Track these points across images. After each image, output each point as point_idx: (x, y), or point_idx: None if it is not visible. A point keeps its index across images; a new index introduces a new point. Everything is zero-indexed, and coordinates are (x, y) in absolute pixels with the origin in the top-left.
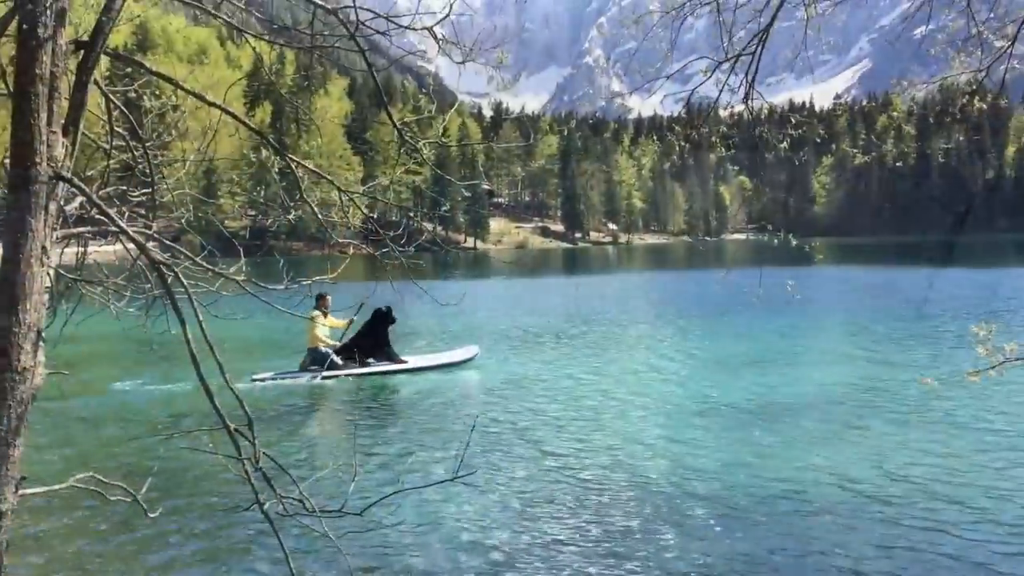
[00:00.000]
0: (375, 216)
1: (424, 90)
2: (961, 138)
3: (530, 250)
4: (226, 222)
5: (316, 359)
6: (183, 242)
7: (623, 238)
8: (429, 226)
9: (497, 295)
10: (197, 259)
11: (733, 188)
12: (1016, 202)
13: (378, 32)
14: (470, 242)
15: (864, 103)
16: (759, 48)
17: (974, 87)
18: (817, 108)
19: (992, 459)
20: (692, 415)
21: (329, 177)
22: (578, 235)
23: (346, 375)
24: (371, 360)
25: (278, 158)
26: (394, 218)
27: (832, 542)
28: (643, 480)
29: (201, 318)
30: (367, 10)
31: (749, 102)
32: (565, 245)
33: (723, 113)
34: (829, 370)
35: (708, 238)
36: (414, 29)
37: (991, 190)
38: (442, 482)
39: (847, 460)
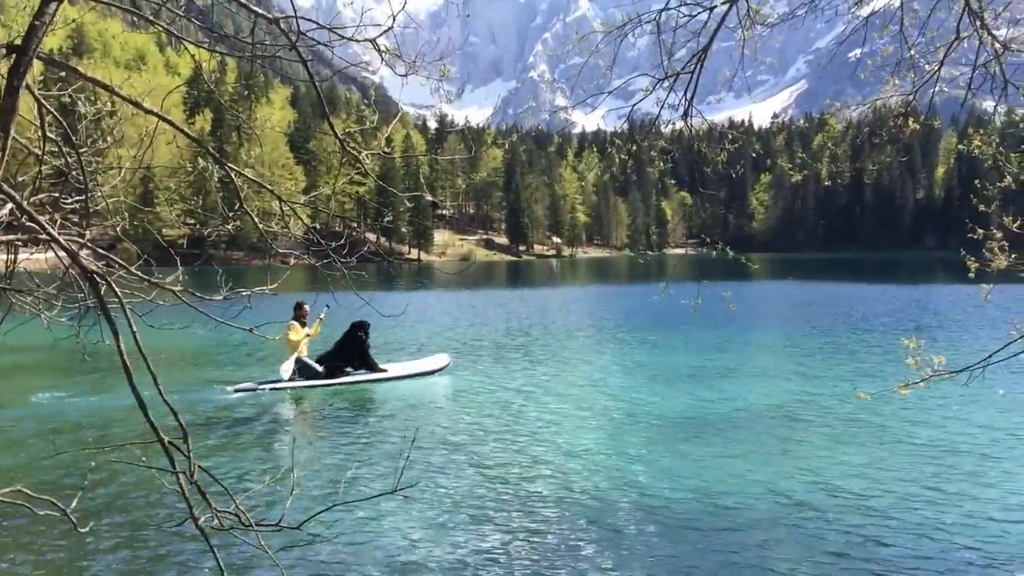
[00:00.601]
0: (317, 226)
1: (367, 101)
2: (892, 159)
3: (474, 262)
4: (163, 231)
5: (299, 368)
6: (118, 251)
7: (567, 251)
8: (372, 237)
9: (441, 307)
10: (132, 268)
11: (674, 203)
12: (944, 221)
13: (320, 43)
14: (414, 254)
15: (801, 122)
16: (698, 67)
17: (905, 109)
18: (756, 126)
19: (920, 470)
20: (629, 427)
21: (269, 187)
22: (522, 248)
23: (327, 384)
24: (350, 369)
25: (218, 167)
26: (337, 229)
27: (766, 554)
28: (581, 492)
29: (135, 329)
30: (309, 20)
31: (688, 119)
32: (509, 258)
33: (664, 129)
34: (764, 383)
35: (650, 252)
36: (357, 40)
37: (921, 209)
38: (381, 495)
39: (780, 472)
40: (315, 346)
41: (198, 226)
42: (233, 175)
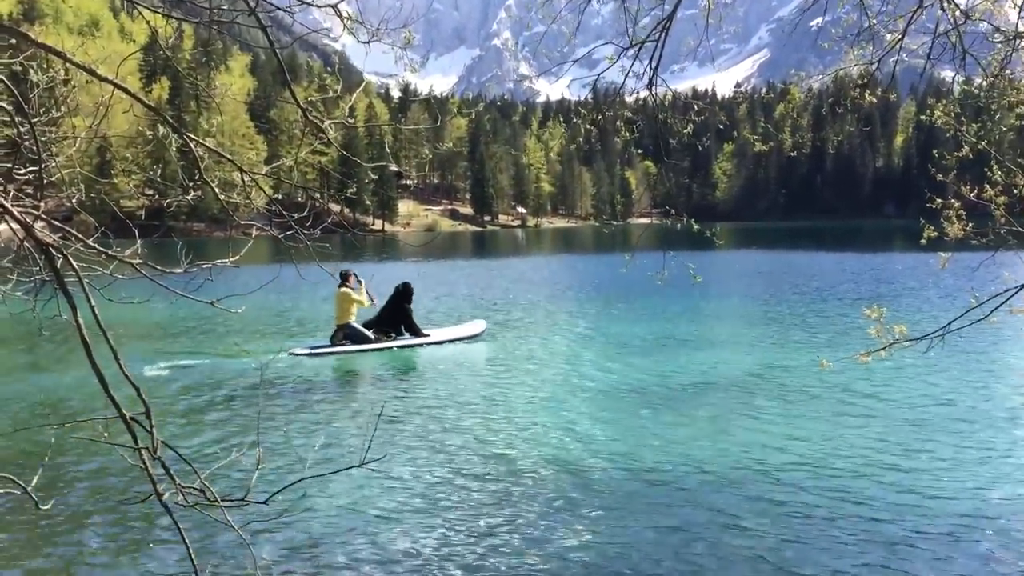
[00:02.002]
0: (280, 197)
1: (330, 69)
2: (853, 128)
3: (439, 232)
4: (121, 202)
5: (349, 334)
6: (74, 223)
7: (532, 221)
8: (336, 208)
9: (407, 278)
10: (88, 241)
11: (639, 173)
12: (903, 189)
13: (280, 9)
14: (378, 224)
15: (763, 92)
16: (662, 36)
17: (866, 79)
18: (719, 96)
19: (881, 436)
20: (595, 397)
21: (230, 157)
22: (487, 218)
23: (374, 348)
24: (394, 334)
25: (176, 136)
26: (300, 199)
27: (728, 522)
28: (545, 463)
29: (93, 303)
30: None
31: (653, 88)
32: (474, 228)
33: (628, 99)
34: (728, 352)
35: (615, 222)
36: (318, 6)
37: (880, 178)
38: (348, 468)
39: (744, 441)
40: (360, 312)
41: (157, 197)
42: (192, 144)
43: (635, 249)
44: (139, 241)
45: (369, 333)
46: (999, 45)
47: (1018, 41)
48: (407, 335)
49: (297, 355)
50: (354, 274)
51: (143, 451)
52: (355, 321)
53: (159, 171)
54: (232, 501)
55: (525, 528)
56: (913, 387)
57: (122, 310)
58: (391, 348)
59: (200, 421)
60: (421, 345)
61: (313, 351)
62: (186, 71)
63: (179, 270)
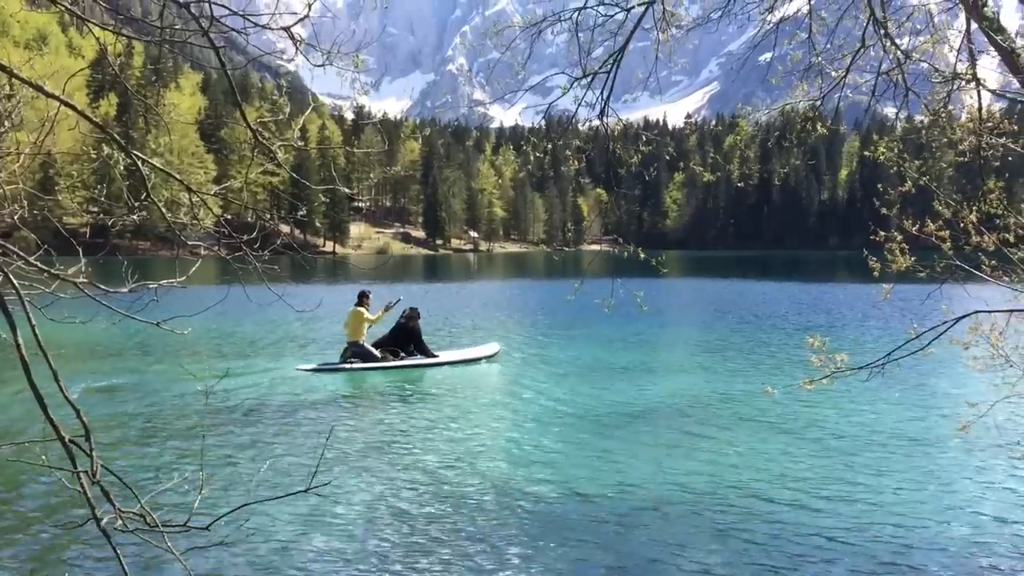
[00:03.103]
0: (229, 218)
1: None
2: (799, 161)
3: (391, 256)
4: (65, 219)
5: (357, 352)
6: (15, 239)
7: (484, 246)
8: (286, 229)
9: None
10: (30, 259)
11: (590, 200)
12: (847, 221)
13: (234, 30)
14: (329, 246)
15: (713, 123)
16: (614, 67)
17: (812, 114)
18: (670, 126)
19: (823, 462)
20: (539, 424)
21: (177, 176)
22: (439, 242)
23: (382, 367)
24: (403, 354)
25: (123, 154)
26: (250, 220)
27: (672, 547)
28: (491, 488)
29: (34, 321)
30: (222, 6)
31: (605, 118)
32: (426, 251)
33: (581, 127)
34: (674, 379)
35: (566, 248)
36: (271, 28)
37: (825, 210)
38: (294, 494)
39: (688, 468)
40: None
41: (102, 215)
42: (139, 163)
43: (584, 277)
44: (83, 259)
45: (377, 352)
46: (938, 84)
47: (956, 82)
48: (417, 355)
49: (303, 371)
50: (372, 298)
51: (82, 474)
52: (365, 341)
53: (104, 189)
54: (173, 527)
55: (465, 555)
56: (853, 415)
57: (64, 329)
58: (397, 367)
59: (142, 444)
60: (429, 365)
61: (321, 368)
62: (135, 88)
63: (124, 290)
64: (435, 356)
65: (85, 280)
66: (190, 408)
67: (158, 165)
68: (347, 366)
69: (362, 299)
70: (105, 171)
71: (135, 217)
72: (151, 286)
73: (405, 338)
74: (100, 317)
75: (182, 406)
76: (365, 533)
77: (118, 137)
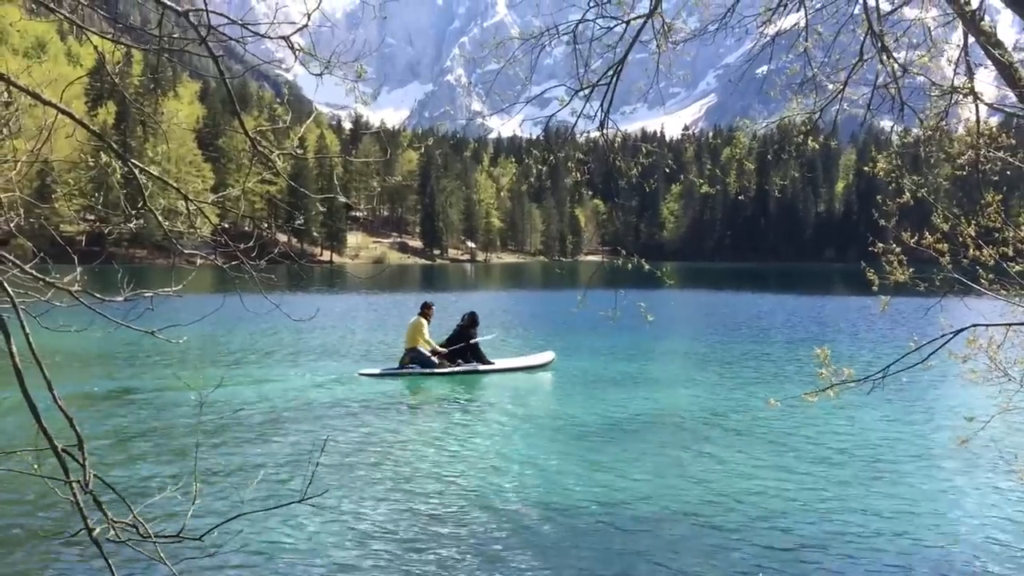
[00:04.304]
0: (227, 226)
1: (280, 99)
2: (796, 174)
3: (388, 265)
4: (62, 227)
5: (415, 358)
6: (12, 247)
7: (481, 256)
8: (283, 238)
9: (352, 312)
10: (26, 267)
11: (588, 211)
12: (843, 234)
13: (232, 39)
14: (326, 256)
15: (710, 135)
16: (614, 79)
17: (809, 127)
18: (668, 138)
19: (821, 475)
20: (544, 433)
21: (175, 184)
22: (436, 252)
23: (440, 373)
24: (460, 361)
25: (120, 162)
26: (248, 229)
27: (674, 560)
28: (490, 500)
29: (28, 330)
30: (220, 15)
31: (604, 130)
32: (423, 261)
33: (580, 139)
34: (672, 391)
35: (564, 259)
36: (270, 37)
37: (821, 222)
38: (288, 504)
39: (692, 479)
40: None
41: (98, 223)
42: (136, 171)
43: (586, 289)
44: (78, 268)
45: (435, 358)
46: (936, 98)
47: (954, 95)
48: (474, 362)
49: (367, 376)
50: (435, 309)
51: (74, 484)
52: (423, 347)
53: (101, 197)
54: (166, 537)
55: (457, 567)
56: (851, 428)
57: (58, 338)
58: (455, 373)
59: (135, 454)
60: (486, 372)
61: (384, 373)
62: (133, 97)
63: (119, 298)
64: (491, 363)
65: (80, 288)
66: (184, 417)
67: (155, 173)
68: (408, 371)
69: (424, 309)
70: (102, 179)
71: (131, 225)
72: (146, 295)
73: (460, 341)
74: (95, 326)
75: (176, 415)
76: (359, 544)
77: (115, 145)
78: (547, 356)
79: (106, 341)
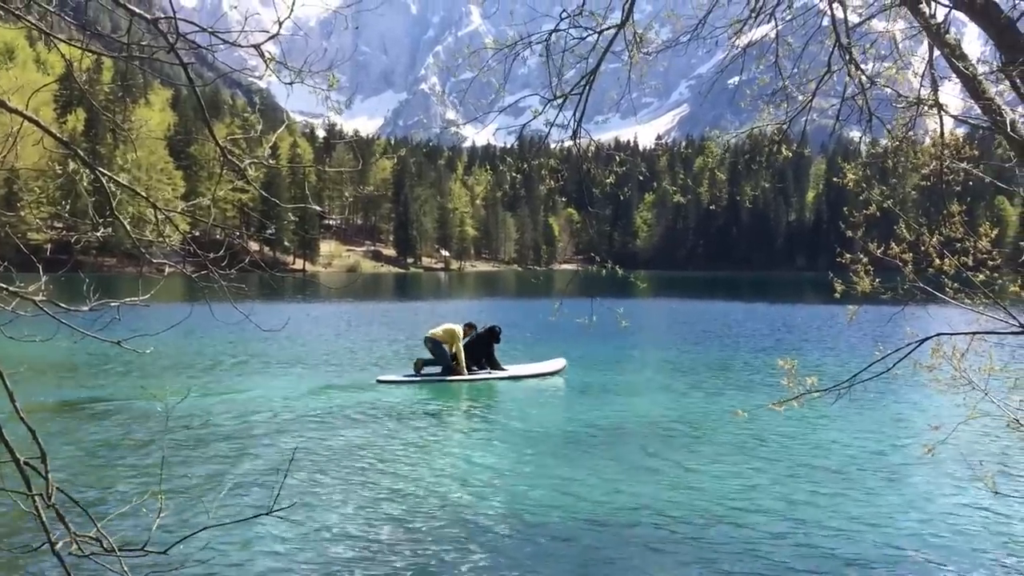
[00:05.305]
0: (197, 235)
1: (252, 107)
2: (767, 183)
3: (361, 274)
4: (29, 235)
5: (432, 349)
6: None
7: (455, 264)
8: (255, 246)
9: (323, 321)
10: None
11: (562, 219)
12: (813, 243)
13: (201, 47)
14: (299, 264)
15: (683, 145)
16: (586, 89)
17: (779, 137)
18: (641, 147)
19: (788, 484)
20: (516, 441)
21: (143, 193)
22: (410, 260)
23: (457, 380)
24: (475, 368)
25: (87, 171)
26: (219, 237)
27: (641, 569)
28: (462, 509)
29: None
30: (190, 22)
31: (577, 139)
32: (397, 270)
33: (553, 147)
34: (642, 399)
35: (538, 267)
36: (240, 46)
37: (792, 231)
38: (255, 517)
39: (658, 488)
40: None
41: (65, 231)
42: (104, 180)
43: (560, 296)
44: (43, 277)
45: (453, 363)
46: (902, 109)
47: (919, 107)
48: (488, 368)
49: (385, 382)
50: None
51: (37, 497)
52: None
53: (69, 205)
54: (130, 551)
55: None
56: (819, 436)
57: (22, 348)
58: (470, 380)
59: (100, 466)
60: (497, 379)
61: (404, 379)
62: (102, 104)
63: (84, 308)
64: (504, 370)
65: (45, 298)
66: (150, 429)
67: (123, 181)
68: (424, 377)
69: (467, 328)
70: (70, 187)
71: (99, 234)
72: (112, 304)
73: (480, 351)
74: (60, 336)
75: (142, 427)
76: (328, 557)
77: (83, 153)
78: (559, 363)
79: (71, 351)
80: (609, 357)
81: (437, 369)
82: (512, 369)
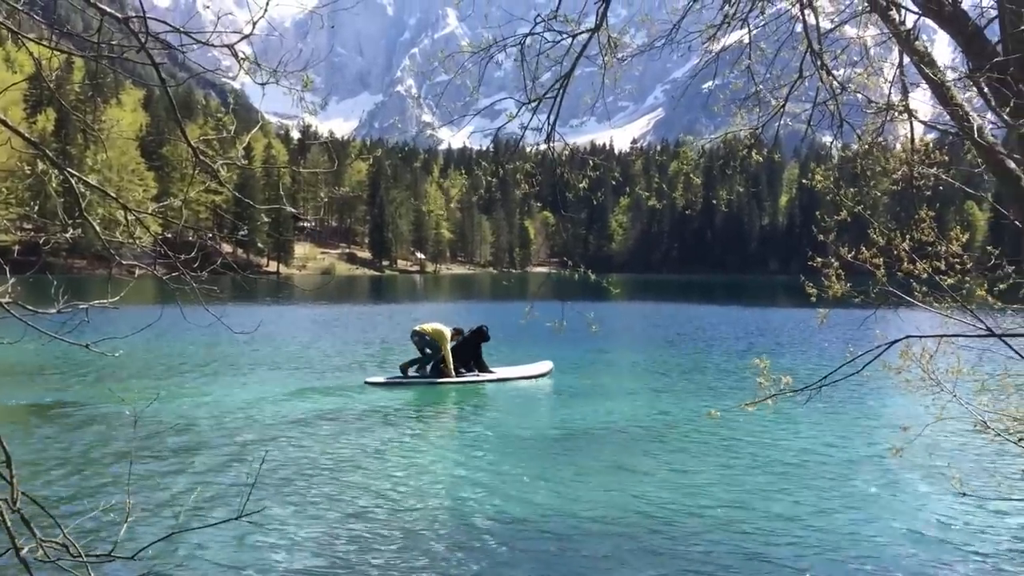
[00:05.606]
0: (169, 236)
1: (226, 108)
2: (741, 187)
3: (336, 276)
4: None
5: (423, 347)
6: None
7: (431, 267)
8: (228, 248)
9: (296, 324)
10: None
11: (537, 222)
12: (787, 247)
13: (173, 47)
14: (273, 266)
15: (658, 149)
16: (560, 92)
17: (752, 142)
18: (617, 150)
19: (759, 485)
20: (485, 447)
21: (113, 194)
22: (385, 263)
23: (445, 382)
24: (463, 371)
25: (57, 171)
26: (192, 239)
27: (611, 567)
28: (437, 513)
29: None
30: (161, 21)
31: (551, 143)
32: (372, 272)
33: (529, 150)
34: (615, 402)
35: (513, 270)
36: (213, 46)
37: (766, 235)
38: (224, 522)
39: (624, 490)
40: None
41: (35, 232)
42: (73, 180)
43: (533, 300)
44: (11, 279)
45: (442, 366)
46: (872, 115)
47: (889, 112)
48: (476, 370)
49: (374, 384)
50: (459, 338)
51: (1, 503)
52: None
53: (37, 206)
54: (98, 556)
55: None
56: (790, 438)
57: None
58: (458, 382)
59: (67, 471)
60: (484, 381)
61: (391, 381)
62: (72, 104)
63: (52, 310)
64: (492, 372)
65: (11, 300)
66: (118, 433)
67: (92, 182)
68: (403, 380)
69: (454, 333)
70: (40, 187)
71: (68, 235)
72: (81, 307)
73: (468, 353)
74: (28, 338)
75: (110, 431)
76: (299, 561)
77: (53, 154)
78: (546, 366)
79: (39, 354)
80: (582, 361)
81: (425, 369)
82: (500, 371)
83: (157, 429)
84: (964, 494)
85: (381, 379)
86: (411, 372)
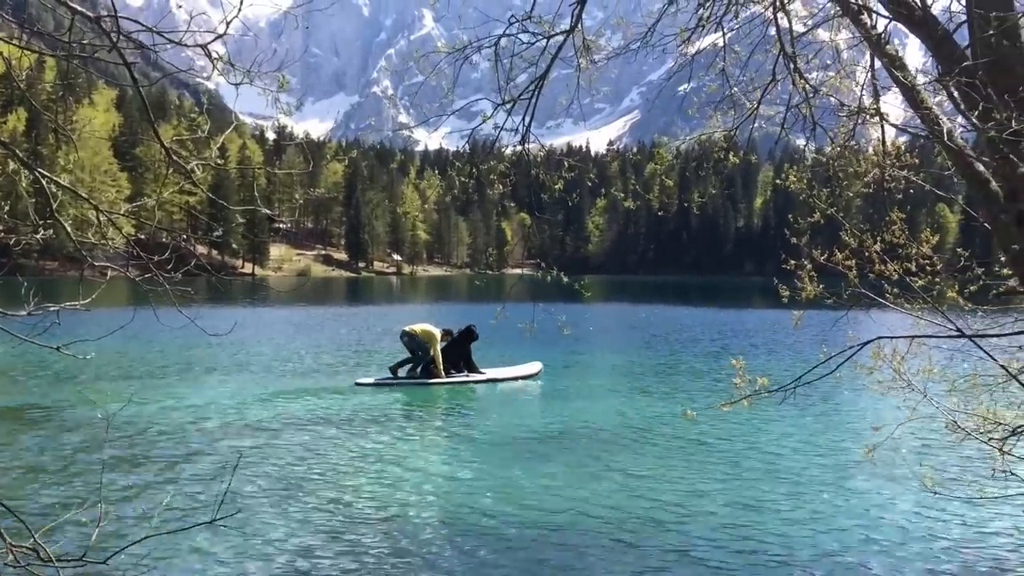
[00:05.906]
0: (142, 237)
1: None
2: (716, 189)
3: (312, 278)
4: None
5: (412, 348)
6: None
7: (407, 269)
8: (203, 250)
9: (272, 326)
10: None
11: (514, 224)
12: (761, 248)
13: (145, 47)
14: (248, 268)
15: (634, 150)
16: (535, 94)
17: (727, 143)
18: (593, 152)
19: (732, 485)
20: (459, 448)
21: (84, 194)
22: (361, 264)
23: (435, 383)
24: (452, 371)
25: (27, 171)
26: (166, 240)
27: (588, 568)
28: (410, 515)
29: None
30: (134, 21)
31: (526, 144)
32: (348, 274)
33: (505, 151)
34: (591, 403)
35: (489, 271)
36: (186, 45)
37: (741, 237)
38: (198, 525)
39: (599, 491)
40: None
41: (4, 234)
42: (44, 181)
43: (506, 300)
44: None
45: (432, 367)
46: (844, 118)
47: (861, 116)
48: (465, 371)
49: (364, 385)
50: (448, 338)
51: None
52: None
53: (7, 207)
54: (68, 560)
55: None
56: (764, 438)
57: None
58: (448, 383)
59: (37, 474)
60: (473, 382)
61: (380, 382)
62: (44, 104)
63: (22, 312)
64: (482, 373)
65: None
66: (90, 436)
67: (63, 182)
68: (400, 380)
69: (444, 334)
70: (10, 188)
71: (39, 236)
72: (52, 309)
73: (458, 353)
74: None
75: (81, 434)
76: (274, 565)
77: (22, 154)
78: (535, 367)
79: (8, 357)
80: (557, 362)
81: (415, 370)
82: (490, 372)
83: (130, 432)
84: (935, 493)
85: (371, 380)
86: (401, 373)
